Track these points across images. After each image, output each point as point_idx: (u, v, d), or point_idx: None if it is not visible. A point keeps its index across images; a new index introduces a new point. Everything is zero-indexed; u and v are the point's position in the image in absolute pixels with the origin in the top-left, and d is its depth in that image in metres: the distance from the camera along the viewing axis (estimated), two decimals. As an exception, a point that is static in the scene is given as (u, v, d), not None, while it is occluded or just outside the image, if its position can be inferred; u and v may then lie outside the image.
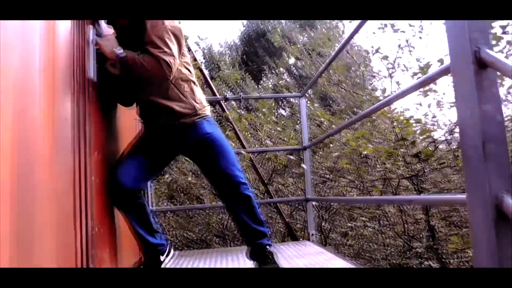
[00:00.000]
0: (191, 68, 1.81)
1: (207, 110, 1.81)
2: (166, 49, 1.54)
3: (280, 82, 7.16)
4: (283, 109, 6.99)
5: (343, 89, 4.43)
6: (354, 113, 4.01)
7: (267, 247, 1.73)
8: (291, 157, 3.07)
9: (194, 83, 1.78)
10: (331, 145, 2.97)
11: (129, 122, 1.98)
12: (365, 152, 2.73)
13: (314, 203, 2.96)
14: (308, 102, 5.22)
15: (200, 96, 1.80)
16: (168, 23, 1.60)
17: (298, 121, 3.64)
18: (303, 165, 2.79)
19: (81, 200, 1.29)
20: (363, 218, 3.58)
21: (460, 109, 1.02)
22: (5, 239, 0.86)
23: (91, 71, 1.41)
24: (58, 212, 1.17)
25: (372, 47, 5.58)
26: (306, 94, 2.96)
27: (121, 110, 1.87)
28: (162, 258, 1.80)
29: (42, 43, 1.08)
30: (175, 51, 1.58)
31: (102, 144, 1.56)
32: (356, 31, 2.03)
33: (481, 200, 0.92)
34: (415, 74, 2.99)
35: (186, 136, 1.72)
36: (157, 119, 1.72)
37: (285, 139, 3.65)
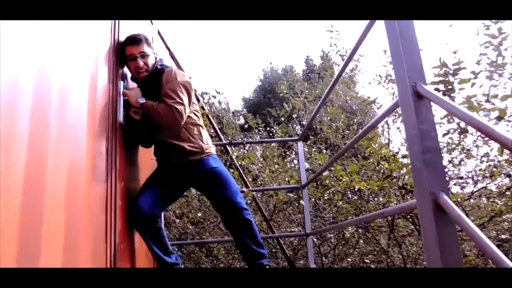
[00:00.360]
0: (199, 115, 2.15)
1: (213, 149, 2.11)
2: (178, 100, 1.89)
3: (288, 129, 7.68)
4: (288, 151, 7.35)
5: (341, 135, 4.77)
6: (354, 155, 4.32)
7: (266, 267, 1.94)
8: (290, 194, 3.32)
9: (202, 127, 2.12)
10: (327, 181, 3.23)
11: (146, 160, 2.29)
12: (357, 187, 2.97)
13: (314, 239, 3.14)
14: (313, 147, 5.58)
15: (207, 137, 2.13)
16: (180, 78, 1.97)
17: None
18: (302, 202, 3.03)
19: (111, 219, 1.57)
20: (367, 260, 3.70)
21: (406, 129, 1.32)
22: (59, 245, 1.14)
23: (121, 116, 1.76)
24: (92, 228, 1.44)
25: (369, 97, 6.01)
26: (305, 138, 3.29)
27: (141, 150, 2.20)
28: None
29: (89, 93, 1.43)
30: (185, 101, 1.93)
31: (126, 176, 1.86)
32: (342, 70, 2.25)
33: (424, 199, 1.19)
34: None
35: (194, 170, 2.01)
36: (170, 157, 2.02)
37: (286, 179, 3.94)
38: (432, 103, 1.27)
